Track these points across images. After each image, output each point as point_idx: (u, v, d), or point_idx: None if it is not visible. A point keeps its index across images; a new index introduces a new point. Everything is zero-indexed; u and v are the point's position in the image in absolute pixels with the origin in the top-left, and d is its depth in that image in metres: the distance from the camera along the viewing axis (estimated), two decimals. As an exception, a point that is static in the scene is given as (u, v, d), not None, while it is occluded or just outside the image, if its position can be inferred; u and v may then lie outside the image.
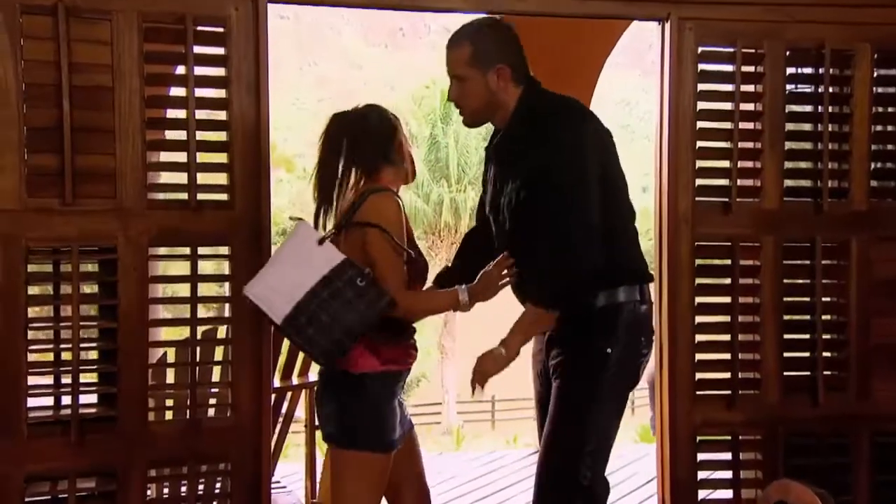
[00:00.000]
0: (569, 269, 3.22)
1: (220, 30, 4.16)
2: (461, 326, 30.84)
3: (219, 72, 4.19)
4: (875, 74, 4.66)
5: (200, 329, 4.23)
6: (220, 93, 4.19)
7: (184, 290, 4.19)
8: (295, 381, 5.51)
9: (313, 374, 5.61)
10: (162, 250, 4.23)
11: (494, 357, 3.31)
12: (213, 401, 4.47)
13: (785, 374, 4.59)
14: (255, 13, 4.17)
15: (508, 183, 3.41)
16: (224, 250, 4.19)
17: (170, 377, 4.48)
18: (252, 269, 3.82)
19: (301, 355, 5.43)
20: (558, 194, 3.22)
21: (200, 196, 4.14)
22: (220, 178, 4.20)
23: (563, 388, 3.38)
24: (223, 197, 4.19)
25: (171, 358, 4.42)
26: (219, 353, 4.51)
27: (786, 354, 4.60)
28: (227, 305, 4.21)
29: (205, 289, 4.32)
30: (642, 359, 3.42)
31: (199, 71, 4.12)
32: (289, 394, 5.48)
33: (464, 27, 3.49)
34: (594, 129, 3.34)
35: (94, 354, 4.14)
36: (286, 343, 4.89)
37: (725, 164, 4.57)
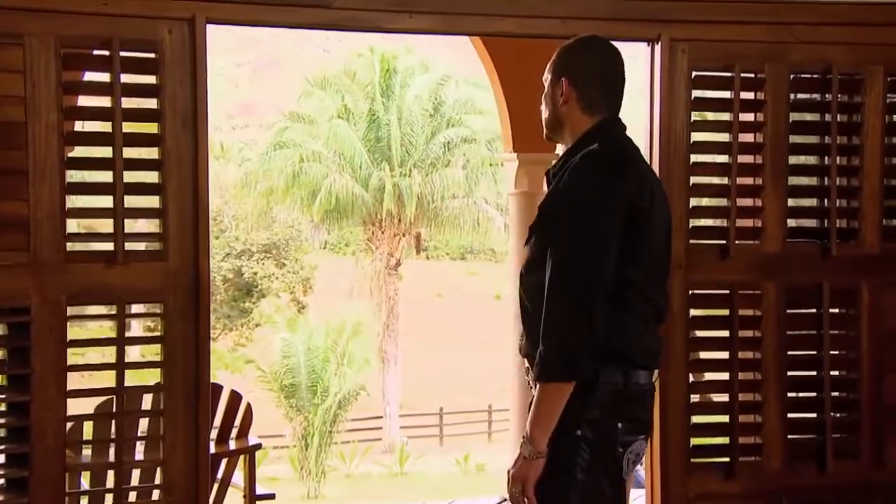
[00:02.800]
0: (563, 336, 3.26)
1: (152, 55, 4.15)
2: (405, 329, 30.95)
3: (150, 103, 4.17)
4: (887, 101, 4.74)
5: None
6: (151, 127, 4.17)
7: (109, 354, 4.18)
8: (232, 445, 5.51)
9: (253, 436, 5.63)
10: (85, 310, 4.20)
11: (528, 462, 3.32)
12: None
13: (789, 437, 4.68)
14: (191, 36, 4.16)
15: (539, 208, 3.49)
16: (157, 308, 4.18)
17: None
18: (189, 330, 3.82)
19: (240, 416, 5.44)
20: (559, 247, 3.28)
21: (129, 246, 4.13)
22: (152, 226, 4.19)
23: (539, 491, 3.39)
24: (155, 247, 4.18)
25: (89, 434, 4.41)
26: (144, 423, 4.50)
27: (790, 416, 4.69)
28: (160, 371, 4.20)
29: (132, 352, 4.30)
30: (623, 449, 3.42)
31: (128, 103, 4.11)
32: (225, 460, 5.47)
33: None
34: (624, 187, 3.35)
35: (0, 433, 4.11)
36: (223, 401, 4.90)
37: (723, 202, 4.64)
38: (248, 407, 5.55)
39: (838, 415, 4.73)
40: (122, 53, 4.10)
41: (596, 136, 3.49)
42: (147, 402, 4.67)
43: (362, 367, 25.67)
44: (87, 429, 4.50)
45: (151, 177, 4.20)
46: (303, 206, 29.37)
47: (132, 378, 4.23)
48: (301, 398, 23.43)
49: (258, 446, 5.54)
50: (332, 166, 28.80)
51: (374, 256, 29.65)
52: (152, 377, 4.53)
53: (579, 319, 3.24)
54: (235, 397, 5.50)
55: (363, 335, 26.51)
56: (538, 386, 3.29)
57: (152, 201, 4.19)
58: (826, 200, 4.71)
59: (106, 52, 4.08)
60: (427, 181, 28.65)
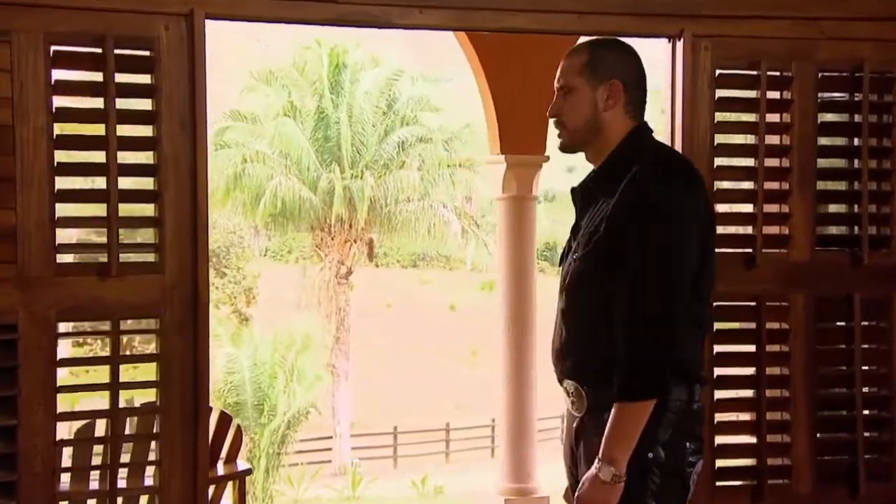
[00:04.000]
0: (667, 347, 3.29)
1: (147, 53, 4.15)
2: (357, 342, 30.90)
3: (145, 104, 4.17)
4: (919, 100, 4.82)
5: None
6: (146, 130, 4.16)
7: (102, 374, 4.16)
8: (221, 470, 5.50)
9: (242, 461, 5.62)
10: (74, 326, 4.18)
11: (608, 486, 3.33)
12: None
13: (819, 459, 4.73)
14: (189, 33, 4.16)
15: (588, 225, 3.48)
16: (152, 324, 4.17)
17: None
18: (187, 346, 3.81)
19: (228, 440, 5.43)
20: (641, 260, 3.31)
21: (123, 258, 4.12)
22: (148, 236, 4.18)
23: None
24: (151, 258, 4.18)
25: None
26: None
27: (819, 435, 4.75)
28: (156, 391, 4.19)
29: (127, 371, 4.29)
30: (691, 469, 3.49)
31: (122, 104, 4.11)
32: (212, 486, 5.46)
33: (587, 40, 3.65)
34: (697, 195, 3.42)
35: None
36: (212, 424, 4.89)
37: (748, 208, 4.69)
38: (239, 430, 5.55)
39: (870, 434, 4.79)
40: (116, 51, 4.10)
41: (641, 141, 3.54)
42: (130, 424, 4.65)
43: (314, 383, 25.59)
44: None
45: (147, 183, 4.19)
46: (245, 210, 29.21)
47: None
48: (247, 418, 23.26)
49: (248, 472, 5.54)
50: (278, 167, 28.67)
51: (324, 264, 29.57)
52: (140, 397, 4.53)
53: (665, 334, 3.28)
54: (225, 419, 5.50)
55: (313, 349, 26.43)
56: (620, 405, 3.32)
57: (148, 209, 4.19)
58: (857, 206, 4.77)
59: (98, 50, 4.08)
60: (380, 183, 28.60)
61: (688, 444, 3.46)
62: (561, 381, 3.58)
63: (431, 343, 39.80)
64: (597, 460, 3.32)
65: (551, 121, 3.64)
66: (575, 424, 3.51)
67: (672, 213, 3.34)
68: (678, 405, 3.40)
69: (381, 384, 35.69)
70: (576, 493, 3.39)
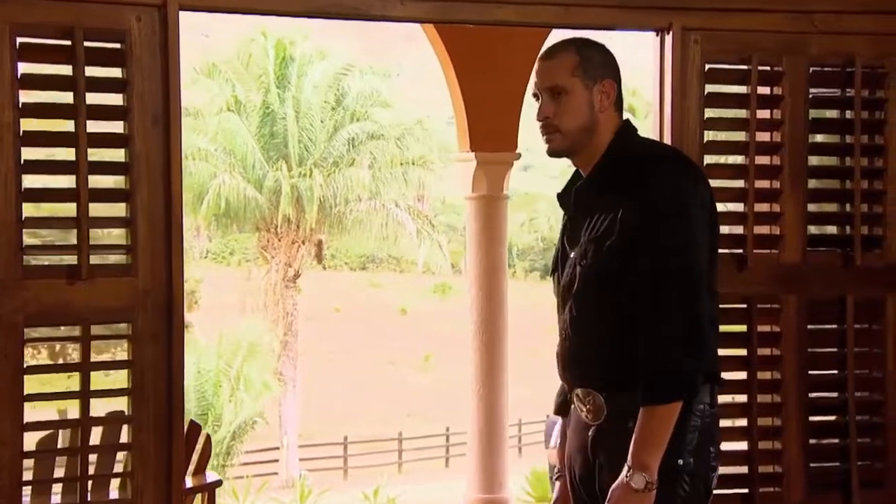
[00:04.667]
0: (696, 346, 3.33)
1: (118, 46, 4.14)
2: (305, 348, 30.84)
3: (117, 100, 4.16)
4: (911, 96, 4.89)
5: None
6: (118, 126, 4.15)
7: (73, 381, 4.15)
8: (189, 482, 5.48)
9: (211, 472, 5.60)
10: (43, 331, 4.17)
11: (641, 494, 3.35)
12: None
13: (811, 465, 4.79)
14: (163, 24, 4.16)
15: (593, 230, 3.50)
16: (124, 328, 4.16)
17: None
18: (161, 353, 3.80)
19: (197, 451, 5.41)
20: (661, 259, 3.35)
21: (94, 259, 4.11)
22: (119, 237, 4.17)
23: None
24: (122, 260, 4.17)
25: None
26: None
27: (812, 441, 4.80)
28: (127, 399, 4.18)
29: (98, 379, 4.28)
30: (713, 474, 3.55)
31: (92, 98, 4.09)
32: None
33: (564, 39, 3.65)
34: (704, 191, 3.48)
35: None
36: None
37: (739, 207, 4.74)
38: (208, 439, 5.53)
39: (863, 440, 4.84)
40: (86, 43, 4.08)
41: (631, 138, 3.60)
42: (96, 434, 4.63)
43: (260, 392, 25.54)
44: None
45: (118, 182, 4.18)
46: (187, 210, 29.06)
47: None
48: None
49: (218, 483, 5.52)
50: (221, 165, 28.61)
51: (270, 266, 29.51)
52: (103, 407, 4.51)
53: (693, 333, 3.33)
54: (194, 428, 5.47)
55: (259, 356, 26.38)
56: (650, 409, 3.35)
57: (119, 209, 4.18)
58: (849, 205, 4.83)
59: (67, 42, 4.06)
60: (329, 182, 28.60)
61: (711, 448, 3.52)
62: (571, 390, 3.61)
63: (382, 349, 39.83)
64: (626, 468, 3.33)
65: (538, 125, 3.62)
66: (591, 433, 3.52)
67: (686, 208, 3.40)
68: (702, 409, 3.45)
69: (331, 392, 35.66)
70: None
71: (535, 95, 3.62)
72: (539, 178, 44.78)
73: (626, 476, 3.32)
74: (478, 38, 7.80)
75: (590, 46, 3.63)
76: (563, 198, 3.73)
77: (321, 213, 28.66)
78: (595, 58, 3.59)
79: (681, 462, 3.41)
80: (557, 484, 3.82)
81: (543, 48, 3.69)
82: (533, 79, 3.63)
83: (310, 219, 28.50)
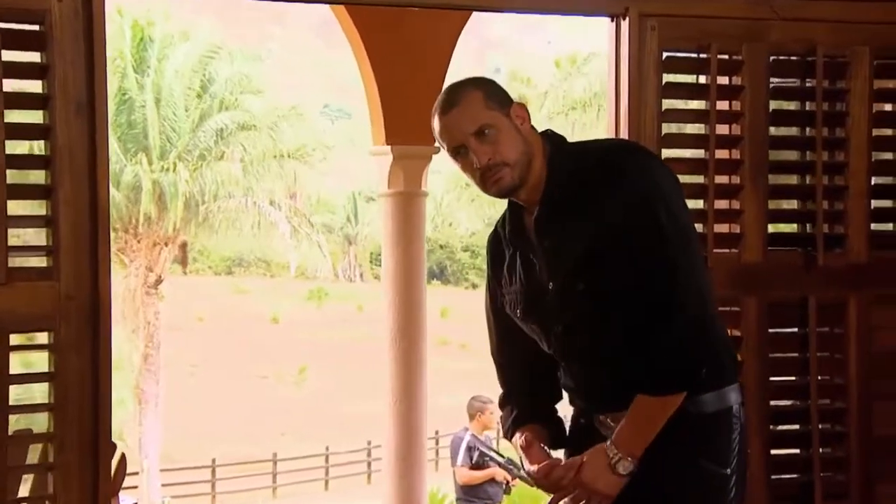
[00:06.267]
0: (703, 331, 3.59)
1: (37, 28, 4.15)
2: (168, 362, 30.55)
3: (36, 87, 4.17)
4: (874, 87, 5.06)
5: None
6: (37, 116, 4.17)
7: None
8: None
9: (127, 496, 5.60)
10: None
11: (616, 475, 3.55)
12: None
13: (772, 477, 4.94)
14: (86, 6, 4.17)
15: (570, 248, 3.64)
16: (44, 338, 4.17)
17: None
18: (85, 366, 3.83)
19: (112, 470, 5.39)
20: (682, 236, 3.62)
21: (12, 262, 4.13)
22: (39, 238, 4.18)
23: None
24: (42, 263, 4.18)
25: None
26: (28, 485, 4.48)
27: (773, 452, 4.96)
28: (48, 416, 4.20)
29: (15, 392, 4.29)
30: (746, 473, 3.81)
31: (9, 85, 4.10)
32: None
33: (451, 86, 3.77)
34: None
35: None
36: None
37: (699, 203, 4.88)
38: (123, 459, 5.53)
39: (825, 450, 4.99)
40: (1, 25, 4.09)
41: (568, 144, 3.84)
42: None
43: (117, 409, 25.23)
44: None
45: (38, 177, 4.19)
46: (32, 207, 28.61)
47: None
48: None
49: (133, 507, 5.55)
50: (73, 158, 28.21)
51: (128, 271, 29.17)
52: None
53: (702, 321, 3.60)
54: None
55: (117, 371, 26.06)
56: (660, 399, 3.55)
57: (39, 207, 4.19)
58: (811, 202, 4.98)
59: (-19, 25, 4.07)
60: (195, 177, 28.39)
61: (748, 450, 3.79)
62: (591, 414, 3.81)
63: (252, 361, 39.60)
64: (612, 450, 3.56)
65: (477, 176, 3.69)
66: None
67: (668, 190, 3.66)
68: (737, 408, 3.68)
69: (196, 410, 35.39)
70: (577, 474, 3.58)
71: (454, 154, 3.70)
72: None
73: (613, 458, 3.55)
74: (394, 25, 7.88)
75: (482, 80, 3.80)
76: (515, 237, 3.85)
77: (186, 211, 28.44)
78: (493, 87, 3.76)
79: (729, 472, 3.63)
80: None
81: (436, 105, 3.76)
82: (441, 141, 3.73)
83: (174, 218, 28.24)
